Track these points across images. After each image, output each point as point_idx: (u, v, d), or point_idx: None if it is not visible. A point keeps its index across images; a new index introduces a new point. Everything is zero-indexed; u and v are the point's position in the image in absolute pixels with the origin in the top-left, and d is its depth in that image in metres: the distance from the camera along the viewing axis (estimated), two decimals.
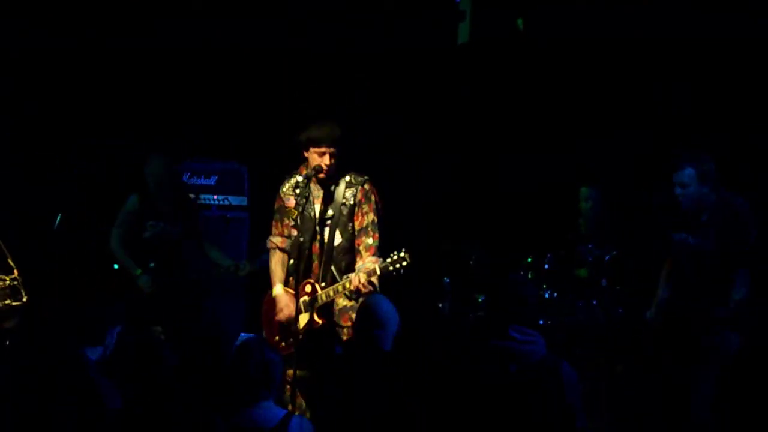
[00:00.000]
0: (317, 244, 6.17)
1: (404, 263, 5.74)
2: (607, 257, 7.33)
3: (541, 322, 7.12)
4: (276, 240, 6.34)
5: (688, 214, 6.18)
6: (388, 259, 5.80)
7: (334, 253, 6.15)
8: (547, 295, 7.39)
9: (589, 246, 7.42)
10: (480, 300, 7.60)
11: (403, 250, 5.75)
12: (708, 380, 6.07)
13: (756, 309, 6.20)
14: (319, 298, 6.06)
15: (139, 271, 6.98)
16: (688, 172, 6.09)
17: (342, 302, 6.14)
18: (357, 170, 6.23)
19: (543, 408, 4.65)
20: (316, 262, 6.17)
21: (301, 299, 6.11)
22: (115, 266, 7.14)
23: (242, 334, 7.44)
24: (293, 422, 4.50)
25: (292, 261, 6.19)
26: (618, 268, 7.23)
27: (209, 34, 8.28)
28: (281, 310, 6.19)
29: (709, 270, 6.10)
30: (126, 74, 8.41)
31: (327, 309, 6.12)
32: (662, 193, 6.31)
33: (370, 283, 5.87)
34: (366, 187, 6.19)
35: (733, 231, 6.04)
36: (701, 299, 6.10)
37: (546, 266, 7.51)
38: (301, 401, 5.96)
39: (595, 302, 7.27)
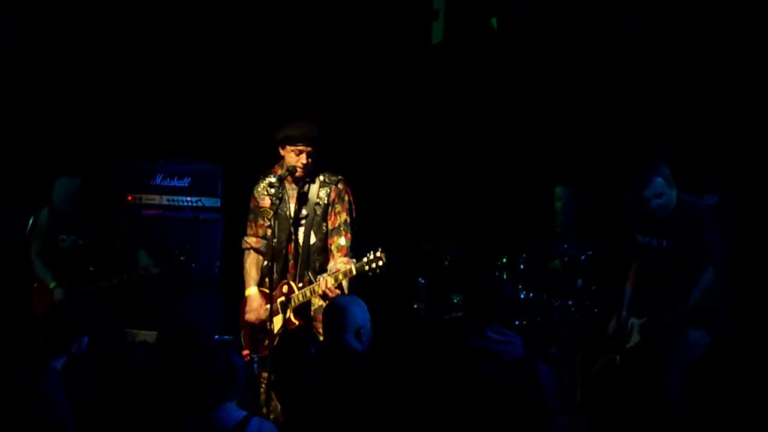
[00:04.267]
0: (292, 245, 6.15)
1: (380, 263, 5.73)
2: (582, 257, 7.34)
3: (516, 322, 7.12)
4: (251, 240, 6.31)
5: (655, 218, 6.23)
6: (364, 259, 5.78)
7: (309, 252, 6.13)
8: (522, 295, 7.38)
9: (565, 246, 7.42)
10: (455, 300, 7.60)
11: (379, 250, 5.74)
12: (676, 379, 6.10)
13: (724, 307, 6.25)
14: (293, 299, 6.04)
15: (53, 284, 7.00)
16: (660, 182, 6.12)
17: (318, 302, 6.12)
18: (332, 170, 6.22)
19: (519, 409, 4.63)
20: (291, 263, 6.16)
21: (278, 300, 6.09)
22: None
23: (216, 336, 7.44)
24: (252, 423, 4.48)
25: (266, 262, 6.16)
26: (594, 268, 7.24)
27: (183, 34, 8.25)
28: (252, 310, 6.18)
29: (673, 270, 6.14)
30: (100, 75, 8.37)
31: (304, 309, 6.10)
32: (633, 194, 6.32)
33: (339, 287, 5.87)
34: (340, 186, 6.18)
35: (693, 229, 6.11)
36: (666, 299, 6.14)
37: (521, 266, 7.51)
38: (276, 404, 5.94)
39: (570, 302, 7.28)
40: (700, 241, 6.08)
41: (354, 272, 5.82)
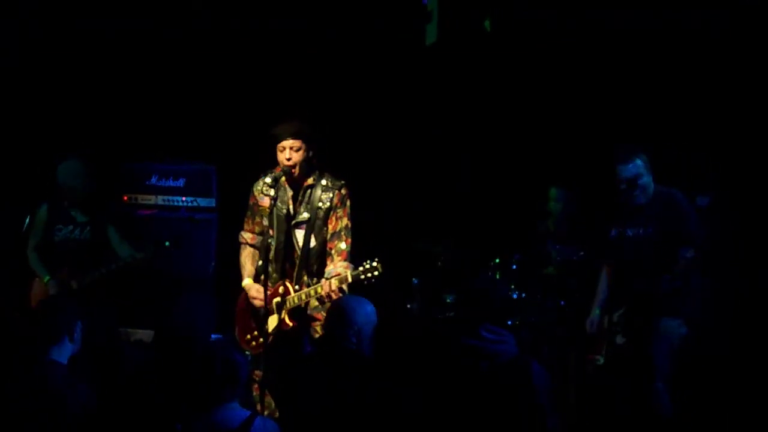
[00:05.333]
0: (289, 247, 6.14)
1: (375, 273, 5.76)
2: (575, 257, 7.33)
3: (509, 322, 7.11)
4: (247, 236, 6.34)
5: (633, 205, 6.25)
6: (360, 268, 5.80)
7: (309, 256, 6.13)
8: (515, 296, 7.37)
9: (557, 247, 7.42)
10: (449, 300, 7.59)
11: (376, 260, 5.76)
12: (662, 371, 6.11)
13: (700, 298, 6.26)
14: (289, 301, 6.04)
15: (47, 278, 7.03)
16: (640, 162, 6.17)
17: (314, 303, 6.14)
18: (334, 173, 6.23)
19: (514, 407, 4.64)
20: (289, 265, 6.15)
21: (274, 300, 6.09)
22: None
23: (212, 335, 7.44)
24: (256, 423, 4.49)
25: (261, 261, 6.17)
26: (586, 268, 7.23)
27: (177, 34, 8.26)
28: (255, 297, 6.16)
29: (652, 255, 6.15)
30: (95, 74, 8.38)
31: (298, 311, 6.10)
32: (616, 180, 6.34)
33: (341, 290, 5.87)
34: (343, 191, 6.20)
35: (674, 218, 6.14)
36: (643, 286, 6.14)
37: (514, 266, 7.50)
38: (270, 401, 5.94)
39: (563, 303, 7.27)
40: (681, 229, 6.09)
41: (350, 280, 5.83)
